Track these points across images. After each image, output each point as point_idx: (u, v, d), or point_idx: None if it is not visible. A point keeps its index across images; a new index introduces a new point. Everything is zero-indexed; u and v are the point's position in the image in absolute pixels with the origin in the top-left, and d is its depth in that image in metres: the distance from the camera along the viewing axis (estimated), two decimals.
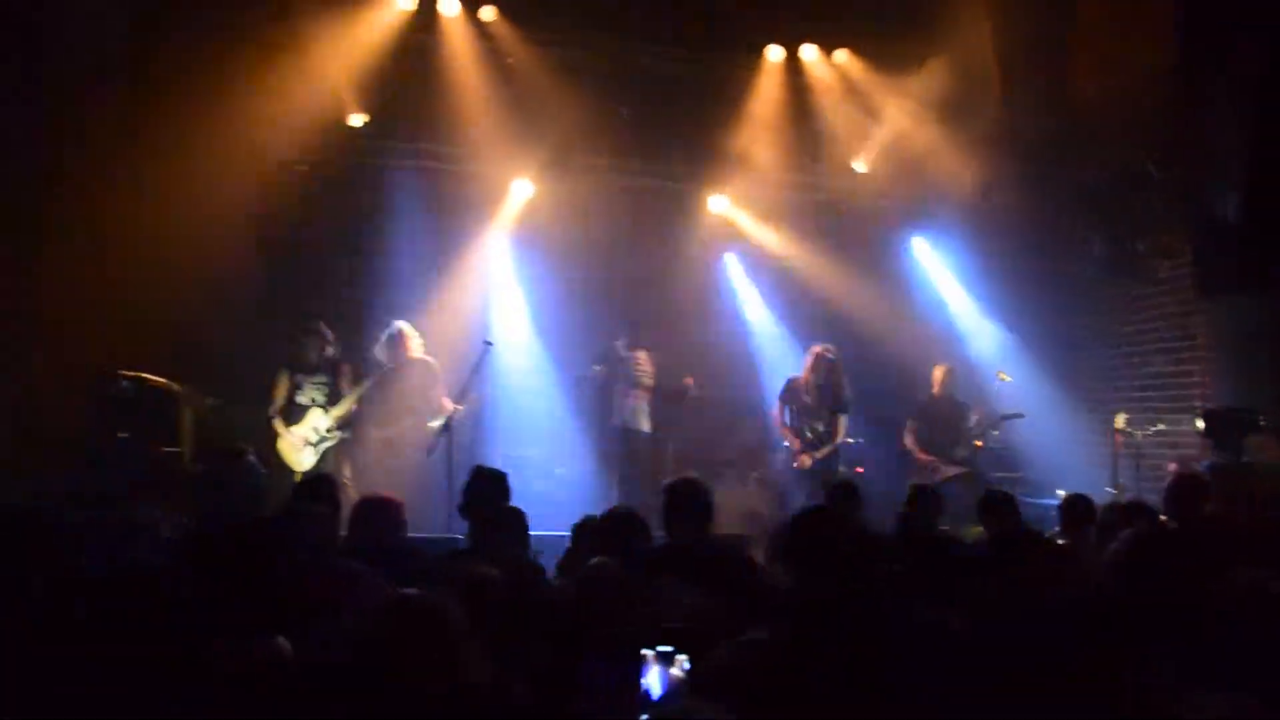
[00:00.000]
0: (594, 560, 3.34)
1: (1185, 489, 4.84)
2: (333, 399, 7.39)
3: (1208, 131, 7.58)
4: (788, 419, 8.24)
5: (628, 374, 8.43)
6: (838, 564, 3.13)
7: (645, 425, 8.42)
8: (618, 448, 8.46)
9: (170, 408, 7.31)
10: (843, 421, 8.18)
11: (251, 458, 5.07)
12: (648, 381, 8.48)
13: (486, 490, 4.34)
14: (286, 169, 8.55)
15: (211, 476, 4.83)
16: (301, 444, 7.26)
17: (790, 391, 8.22)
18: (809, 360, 8.15)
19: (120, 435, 6.96)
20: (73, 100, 7.35)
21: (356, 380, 7.48)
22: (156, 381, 7.25)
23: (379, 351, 7.54)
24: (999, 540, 3.88)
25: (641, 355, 8.54)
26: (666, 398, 8.16)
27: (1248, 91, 7.14)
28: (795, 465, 8.07)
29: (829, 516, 3.44)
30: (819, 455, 8.08)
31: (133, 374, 7.18)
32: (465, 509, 4.30)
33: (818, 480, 7.71)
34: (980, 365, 9.18)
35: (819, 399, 8.08)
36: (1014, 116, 9.35)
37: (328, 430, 7.32)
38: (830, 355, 8.09)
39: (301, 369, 7.39)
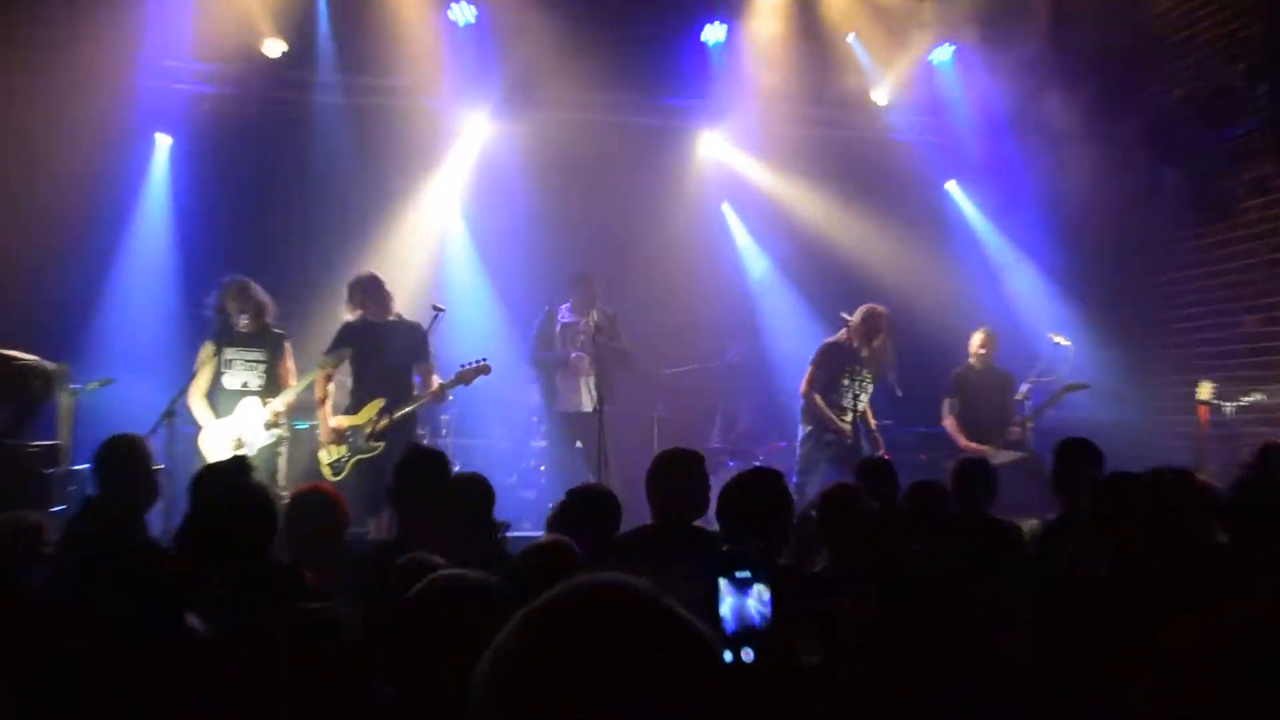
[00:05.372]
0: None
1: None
2: (271, 384, 6.66)
3: None
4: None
5: (565, 347, 7.91)
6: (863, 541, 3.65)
7: (587, 404, 7.75)
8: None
9: (43, 392, 6.56)
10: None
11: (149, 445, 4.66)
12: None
13: (424, 473, 4.13)
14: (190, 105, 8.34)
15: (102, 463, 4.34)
16: (230, 441, 6.50)
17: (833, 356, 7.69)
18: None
19: None
20: None
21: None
22: (23, 360, 6.47)
23: (352, 306, 6.90)
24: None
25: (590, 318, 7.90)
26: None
27: None
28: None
29: (854, 492, 3.91)
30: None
31: None
32: (397, 495, 4.12)
33: (844, 464, 7.25)
34: (1030, 328, 8.86)
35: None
36: (1069, 33, 8.87)
37: (265, 426, 6.57)
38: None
39: (231, 341, 6.65)
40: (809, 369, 7.61)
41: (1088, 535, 3.52)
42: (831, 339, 7.70)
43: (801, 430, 7.60)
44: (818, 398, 7.51)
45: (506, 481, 8.29)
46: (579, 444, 7.62)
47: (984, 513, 4.63)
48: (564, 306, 7.87)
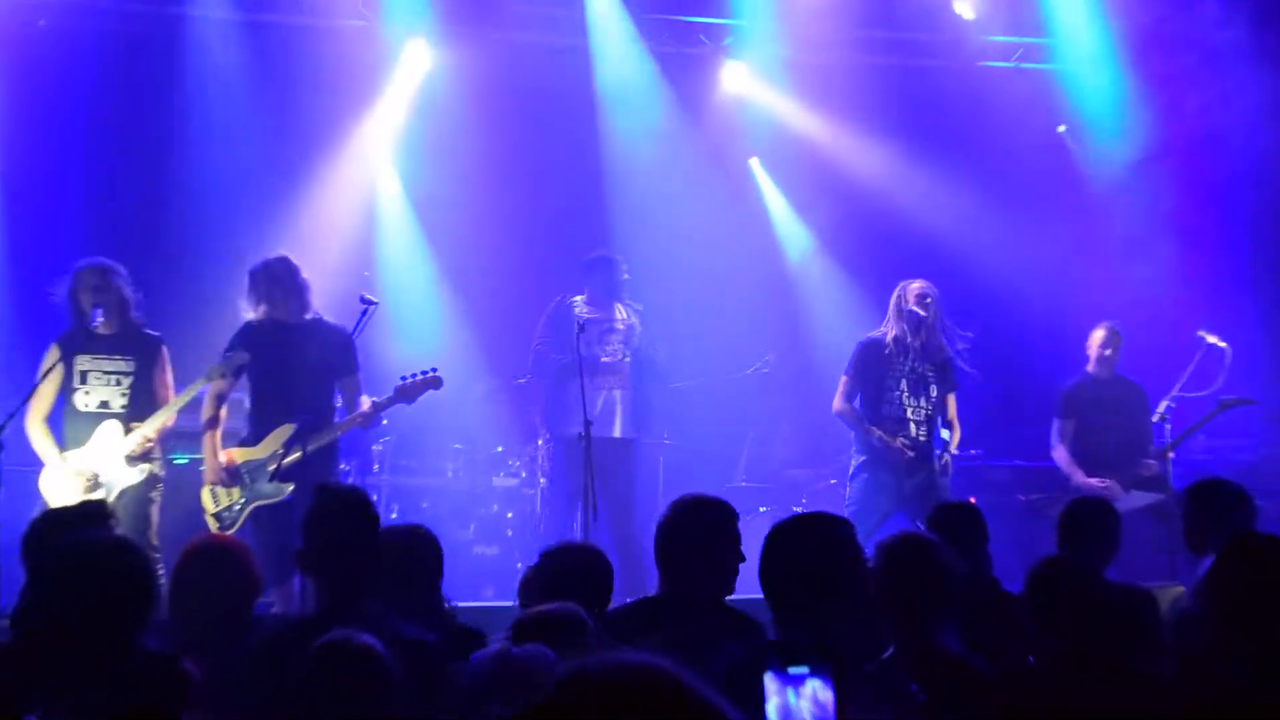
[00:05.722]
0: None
1: None
2: (140, 403, 6.43)
3: None
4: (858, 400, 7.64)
5: (589, 349, 7.62)
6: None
7: (616, 428, 7.82)
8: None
9: None
10: (952, 402, 7.63)
11: None
12: (624, 360, 7.86)
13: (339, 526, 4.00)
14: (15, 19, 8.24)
15: None
16: (82, 480, 6.30)
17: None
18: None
19: None
20: None
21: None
22: None
23: (255, 300, 6.69)
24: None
25: (617, 314, 7.94)
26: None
27: None
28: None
29: (928, 548, 3.68)
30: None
31: None
32: (307, 559, 4.06)
33: (914, 505, 7.08)
34: (1172, 323, 8.42)
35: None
36: None
37: (130, 459, 6.36)
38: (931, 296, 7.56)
39: (85, 346, 6.45)
40: (841, 379, 7.53)
41: (1217, 618, 3.31)
42: (869, 335, 7.63)
43: (853, 461, 7.43)
44: (854, 411, 7.55)
45: (461, 536, 8.16)
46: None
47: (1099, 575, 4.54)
48: (580, 298, 7.84)
